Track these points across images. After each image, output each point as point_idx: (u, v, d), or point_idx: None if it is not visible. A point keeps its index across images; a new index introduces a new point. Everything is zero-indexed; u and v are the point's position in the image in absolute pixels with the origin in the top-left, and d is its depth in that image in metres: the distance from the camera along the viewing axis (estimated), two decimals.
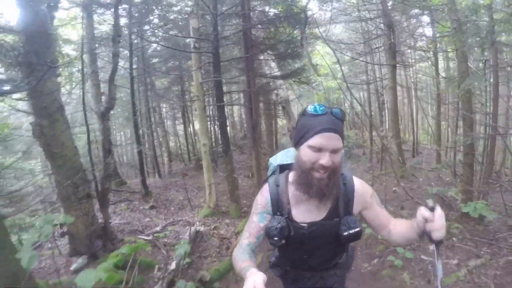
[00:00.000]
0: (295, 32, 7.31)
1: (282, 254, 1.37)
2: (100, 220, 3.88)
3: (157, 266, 3.56)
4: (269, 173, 1.43)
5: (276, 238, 1.15)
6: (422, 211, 0.99)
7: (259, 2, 7.31)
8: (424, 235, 1.01)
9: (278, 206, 1.21)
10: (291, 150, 1.35)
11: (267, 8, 7.70)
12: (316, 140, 1.06)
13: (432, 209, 0.98)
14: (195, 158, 10.36)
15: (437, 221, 0.96)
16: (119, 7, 4.40)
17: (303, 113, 1.15)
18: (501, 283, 2.91)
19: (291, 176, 1.22)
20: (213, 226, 4.96)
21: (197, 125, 13.45)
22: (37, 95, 3.09)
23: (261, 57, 7.94)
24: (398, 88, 9.34)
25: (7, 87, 3.11)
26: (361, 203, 1.23)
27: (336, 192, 1.15)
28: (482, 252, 3.45)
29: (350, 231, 1.16)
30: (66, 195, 3.53)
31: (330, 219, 1.19)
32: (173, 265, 3.29)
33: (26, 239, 3.01)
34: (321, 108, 1.10)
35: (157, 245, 4.09)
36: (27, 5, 3.13)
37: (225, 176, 5.31)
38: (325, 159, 1.05)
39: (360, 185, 1.25)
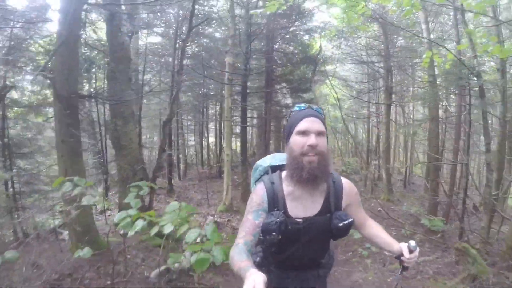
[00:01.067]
0: (307, 71, 8.83)
1: (269, 253, 1.38)
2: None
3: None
4: (256, 174, 1.50)
5: (274, 234, 1.19)
6: (405, 250, 1.22)
7: (280, 43, 8.87)
8: (398, 259, 1.26)
9: (274, 202, 1.26)
10: (277, 154, 1.50)
11: (287, 49, 9.27)
12: (301, 125, 1.19)
13: (411, 250, 1.21)
14: (209, 167, 11.71)
15: (412, 259, 1.22)
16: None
17: (289, 115, 1.32)
18: (438, 271, 4.10)
19: (284, 174, 1.30)
20: (227, 219, 6.21)
21: (211, 139, 14.98)
22: (117, 102, 4.47)
23: (278, 88, 9.41)
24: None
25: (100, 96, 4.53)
26: (348, 200, 1.33)
27: (327, 187, 1.28)
28: (434, 254, 4.64)
29: (345, 222, 1.23)
30: (126, 177, 4.86)
31: (323, 214, 1.27)
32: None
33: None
34: (302, 105, 1.28)
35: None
36: (115, 36, 4.53)
37: (240, 181, 6.62)
38: (311, 140, 1.16)
39: (347, 183, 1.36)
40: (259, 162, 1.51)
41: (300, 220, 1.25)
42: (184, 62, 8.84)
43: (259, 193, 1.29)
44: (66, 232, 4.75)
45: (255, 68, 7.72)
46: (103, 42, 4.65)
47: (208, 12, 6.37)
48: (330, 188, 1.30)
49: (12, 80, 4.11)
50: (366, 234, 1.43)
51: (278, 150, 13.11)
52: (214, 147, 12.95)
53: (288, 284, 1.38)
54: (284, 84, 9.28)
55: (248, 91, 6.56)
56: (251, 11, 4.04)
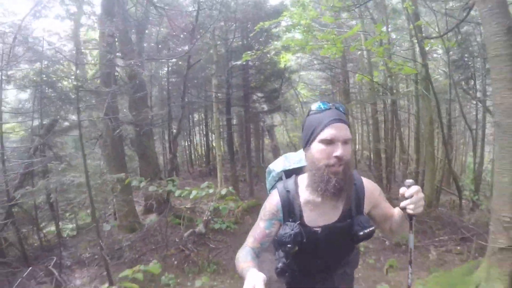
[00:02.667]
0: (277, 82, 10.80)
1: (292, 260, 1.32)
2: None
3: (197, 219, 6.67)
4: (270, 180, 1.43)
5: (289, 246, 1.12)
6: (401, 190, 1.04)
7: (254, 61, 10.75)
8: (408, 218, 1.07)
9: (290, 212, 1.18)
10: (289, 155, 1.40)
11: (259, 66, 11.16)
12: (327, 132, 1.05)
13: (409, 186, 1.03)
14: (200, 166, 13.51)
15: (412, 197, 1.01)
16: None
17: (308, 114, 1.16)
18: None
19: (302, 179, 1.21)
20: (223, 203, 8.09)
21: (197, 141, 16.73)
22: (147, 126, 6.21)
23: (254, 98, 11.31)
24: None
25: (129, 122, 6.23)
26: (371, 202, 1.24)
27: (348, 191, 1.14)
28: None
29: (365, 231, 1.14)
30: (151, 179, 6.64)
31: (343, 220, 1.18)
32: (207, 213, 6.41)
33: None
34: (325, 104, 1.12)
35: (193, 210, 7.20)
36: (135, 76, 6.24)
37: (230, 175, 8.51)
38: (339, 151, 1.04)
39: (369, 184, 1.25)
40: (271, 166, 1.43)
41: (318, 229, 1.17)
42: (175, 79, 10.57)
43: (273, 202, 1.22)
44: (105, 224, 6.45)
45: (235, 83, 9.57)
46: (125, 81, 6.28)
47: (200, 48, 8.02)
48: (351, 192, 1.18)
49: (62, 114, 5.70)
50: (394, 227, 1.26)
51: (257, 148, 15.03)
52: (201, 148, 14.72)
53: (315, 285, 1.32)
54: (259, 94, 11.19)
55: (231, 105, 8.46)
56: (233, 63, 5.91)
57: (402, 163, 6.67)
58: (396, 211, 1.21)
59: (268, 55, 10.68)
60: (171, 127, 9.45)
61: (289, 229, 1.14)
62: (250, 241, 1.21)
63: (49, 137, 5.24)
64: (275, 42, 8.08)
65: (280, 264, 1.38)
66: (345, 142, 1.07)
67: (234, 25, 8.32)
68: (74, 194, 4.78)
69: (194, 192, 3.63)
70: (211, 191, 3.71)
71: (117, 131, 5.06)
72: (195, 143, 16.04)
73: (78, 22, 6.54)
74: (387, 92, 6.69)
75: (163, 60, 6.57)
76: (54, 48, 4.68)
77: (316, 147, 1.09)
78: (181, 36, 6.78)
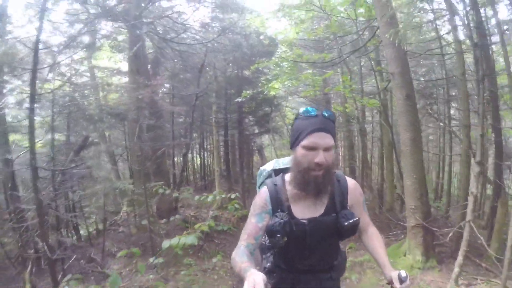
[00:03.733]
0: (267, 108, 12.39)
1: (279, 257, 1.38)
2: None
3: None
4: (259, 180, 1.55)
5: (279, 235, 1.19)
6: (395, 279, 1.14)
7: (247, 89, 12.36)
8: (388, 284, 1.20)
9: (278, 203, 1.26)
10: (280, 159, 1.55)
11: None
12: (309, 140, 1.14)
13: (402, 281, 1.13)
14: (201, 181, 14.72)
15: None
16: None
17: (297, 117, 1.24)
18: None
19: (288, 176, 1.30)
20: (220, 213, 9.35)
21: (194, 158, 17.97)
22: (162, 146, 7.55)
23: (247, 120, 12.83)
24: None
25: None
26: (352, 199, 1.33)
27: (331, 188, 1.24)
28: None
29: (350, 221, 1.22)
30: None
31: (328, 214, 1.26)
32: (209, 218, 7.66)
33: None
34: (313, 111, 1.19)
35: (196, 217, 8.43)
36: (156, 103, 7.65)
37: (226, 188, 9.82)
38: (319, 157, 1.13)
39: (351, 183, 1.35)
40: (262, 168, 1.54)
41: (305, 221, 1.23)
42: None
43: (262, 195, 1.29)
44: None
45: (230, 109, 11.08)
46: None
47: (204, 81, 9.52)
48: (335, 187, 1.27)
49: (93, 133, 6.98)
50: (365, 242, 1.41)
51: (248, 165, 16.40)
52: (198, 165, 15.95)
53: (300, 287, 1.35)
54: (251, 118, 12.72)
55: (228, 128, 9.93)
56: (235, 100, 7.41)
57: (366, 176, 8.21)
58: (383, 258, 1.28)
59: (259, 84, 12.36)
60: (182, 147, 10.80)
61: (279, 218, 1.21)
62: (244, 238, 1.23)
63: (82, 151, 6.51)
64: (267, 76, 9.68)
65: (268, 264, 1.41)
66: (326, 149, 1.15)
67: (232, 61, 9.92)
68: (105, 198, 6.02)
69: (211, 197, 4.96)
70: (223, 196, 5.07)
71: (140, 151, 6.37)
72: (193, 160, 17.28)
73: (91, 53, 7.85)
74: (355, 121, 8.33)
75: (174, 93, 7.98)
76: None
77: (299, 151, 1.17)
78: (189, 74, 8.26)
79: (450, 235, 3.78)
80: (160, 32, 7.07)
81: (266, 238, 1.33)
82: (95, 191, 5.85)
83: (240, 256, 1.13)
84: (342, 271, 1.47)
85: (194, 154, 17.24)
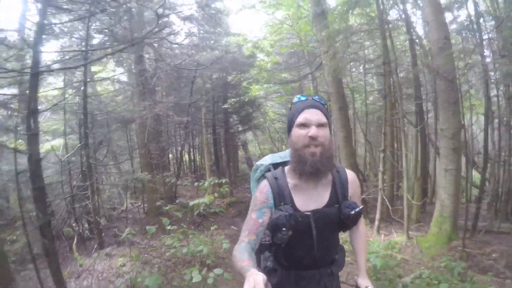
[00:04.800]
0: (249, 108, 14.06)
1: (281, 254, 1.36)
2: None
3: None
4: (257, 174, 1.50)
5: (284, 229, 1.17)
6: (362, 287, 1.31)
7: (231, 92, 13.96)
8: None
9: (280, 196, 1.24)
10: (276, 154, 1.51)
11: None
12: (301, 117, 1.20)
13: None
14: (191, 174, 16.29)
15: None
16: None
17: (291, 106, 1.30)
18: None
19: (288, 169, 1.31)
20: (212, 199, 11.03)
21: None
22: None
23: (231, 120, 14.46)
24: None
25: None
26: (352, 190, 1.34)
27: (331, 171, 1.26)
28: None
29: (356, 210, 1.23)
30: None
31: (331, 205, 1.27)
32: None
33: None
34: (303, 96, 1.27)
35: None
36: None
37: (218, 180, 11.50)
38: (312, 131, 1.16)
39: (351, 174, 1.36)
40: (259, 163, 1.50)
41: (309, 213, 1.23)
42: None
43: (263, 190, 1.27)
44: None
45: (217, 110, 12.67)
46: None
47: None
48: (336, 179, 1.29)
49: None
50: (351, 239, 1.47)
51: (233, 160, 18.06)
52: (187, 161, 17.49)
53: (303, 285, 1.35)
54: (235, 117, 14.36)
55: (216, 128, 11.56)
56: (225, 105, 9.03)
57: None
58: (361, 262, 1.43)
59: (242, 87, 14.00)
60: (178, 146, 12.30)
61: (283, 211, 1.19)
62: (245, 234, 1.22)
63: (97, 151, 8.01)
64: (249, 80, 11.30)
65: (268, 263, 1.39)
66: (319, 125, 1.18)
67: (218, 70, 11.50)
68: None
69: (206, 183, 6.60)
70: (216, 181, 6.74)
71: (148, 150, 7.92)
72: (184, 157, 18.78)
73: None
74: None
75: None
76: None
77: (294, 132, 1.22)
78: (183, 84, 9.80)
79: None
80: (159, 50, 8.55)
81: (264, 236, 1.32)
82: (120, 182, 7.37)
83: (241, 253, 1.12)
84: (341, 265, 1.45)
85: (185, 151, 18.76)
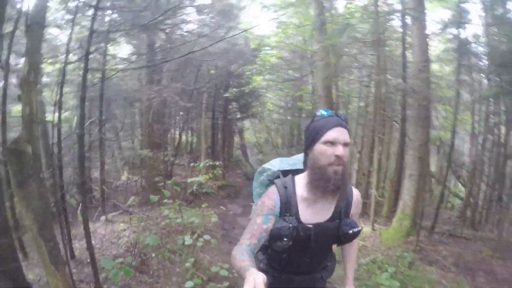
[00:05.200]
0: (249, 97, 14.63)
1: (275, 258, 1.41)
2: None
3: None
4: (263, 178, 1.49)
5: (285, 239, 1.21)
6: None
7: (233, 80, 14.49)
8: None
9: (287, 207, 1.27)
10: (284, 159, 1.53)
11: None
12: (330, 135, 1.20)
13: None
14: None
15: None
16: None
17: (313, 119, 1.30)
18: None
19: (299, 179, 1.33)
20: (204, 181, 11.77)
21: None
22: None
23: (230, 106, 15.04)
24: None
25: None
26: (354, 209, 1.39)
27: (345, 189, 1.28)
28: None
29: (354, 230, 1.28)
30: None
31: (333, 220, 1.31)
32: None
33: None
34: (327, 112, 1.28)
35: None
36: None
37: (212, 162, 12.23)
38: (339, 151, 1.18)
39: (356, 192, 1.40)
40: (266, 166, 1.51)
41: (311, 225, 1.26)
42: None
43: (271, 196, 1.29)
44: None
45: (218, 96, 13.25)
46: None
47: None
48: (345, 194, 1.31)
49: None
50: (342, 249, 1.55)
51: (229, 145, 18.71)
52: (185, 142, 18.13)
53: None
54: (234, 104, 14.94)
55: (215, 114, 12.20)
56: (226, 94, 9.63)
57: None
58: (349, 273, 1.54)
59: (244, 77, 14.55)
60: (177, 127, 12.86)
61: (287, 223, 1.22)
62: (247, 237, 1.22)
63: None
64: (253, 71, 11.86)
65: (261, 265, 1.44)
66: (345, 144, 1.21)
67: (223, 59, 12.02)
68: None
69: (202, 164, 7.30)
70: (211, 163, 7.43)
71: (151, 129, 8.54)
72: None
73: None
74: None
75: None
76: None
77: (319, 148, 1.22)
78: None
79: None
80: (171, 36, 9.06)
81: None
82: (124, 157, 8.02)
83: (240, 254, 1.13)
84: (331, 272, 1.49)
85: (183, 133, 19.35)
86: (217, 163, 7.26)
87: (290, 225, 1.22)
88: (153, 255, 4.49)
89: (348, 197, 1.35)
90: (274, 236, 1.23)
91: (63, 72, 3.50)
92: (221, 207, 8.63)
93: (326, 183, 1.20)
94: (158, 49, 8.65)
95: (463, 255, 5.18)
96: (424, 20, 5.21)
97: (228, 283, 3.60)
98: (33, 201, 2.13)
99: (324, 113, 1.28)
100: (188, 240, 4.24)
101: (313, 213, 1.29)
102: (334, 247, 1.49)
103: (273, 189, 1.32)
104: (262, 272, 1.04)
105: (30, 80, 2.43)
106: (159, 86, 7.18)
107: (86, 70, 3.00)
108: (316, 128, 1.26)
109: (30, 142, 2.22)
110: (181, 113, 12.04)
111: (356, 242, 1.53)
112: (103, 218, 5.02)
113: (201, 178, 6.03)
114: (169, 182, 9.38)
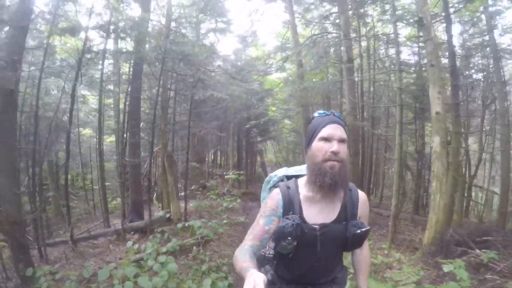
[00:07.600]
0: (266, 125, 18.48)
1: (283, 267, 1.39)
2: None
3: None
4: (267, 186, 1.55)
5: (289, 238, 1.17)
6: None
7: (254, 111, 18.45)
8: None
9: (290, 206, 1.27)
10: (291, 168, 1.54)
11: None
12: (325, 131, 1.23)
13: None
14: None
15: None
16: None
17: (311, 120, 1.33)
18: None
19: (301, 180, 1.34)
20: (232, 189, 15.56)
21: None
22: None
23: (252, 132, 18.90)
24: None
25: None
26: (361, 211, 1.35)
27: (346, 187, 1.27)
28: None
29: (362, 229, 1.24)
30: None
31: (339, 221, 1.28)
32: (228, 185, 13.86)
33: None
34: (324, 111, 1.31)
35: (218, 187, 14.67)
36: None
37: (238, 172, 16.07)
38: (334, 146, 1.20)
39: (362, 194, 1.38)
40: (272, 174, 1.55)
41: (316, 226, 1.24)
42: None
43: (274, 197, 1.30)
44: None
45: (242, 123, 17.20)
46: None
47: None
48: (347, 197, 1.29)
49: None
50: (354, 260, 1.48)
51: (252, 161, 22.43)
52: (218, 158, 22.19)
53: None
54: (255, 129, 18.82)
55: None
56: (247, 126, 13.60)
57: None
58: (361, 283, 1.45)
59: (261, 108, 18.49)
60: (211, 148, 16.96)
61: (290, 220, 1.21)
62: (249, 238, 1.23)
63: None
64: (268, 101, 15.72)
65: (268, 275, 1.41)
66: (340, 141, 1.22)
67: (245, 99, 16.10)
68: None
69: (233, 176, 11.06)
70: (237, 172, 11.19)
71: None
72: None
73: None
74: None
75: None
76: None
77: (316, 144, 1.25)
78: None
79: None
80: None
81: (268, 249, 1.41)
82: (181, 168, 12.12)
83: (242, 254, 1.13)
84: (343, 284, 1.44)
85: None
86: (241, 172, 10.96)
87: (293, 222, 1.20)
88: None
89: (353, 198, 1.34)
90: (278, 235, 1.22)
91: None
92: (243, 202, 12.32)
93: (323, 177, 1.21)
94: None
95: None
96: None
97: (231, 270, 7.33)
98: (174, 167, 6.05)
99: (321, 112, 1.33)
100: (221, 207, 8.06)
101: (317, 213, 1.28)
102: (346, 259, 1.51)
103: (275, 190, 1.34)
104: (269, 283, 1.18)
105: None
106: (202, 123, 11.24)
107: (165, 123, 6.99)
108: (313, 127, 1.30)
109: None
110: (212, 138, 16.09)
111: (367, 253, 1.50)
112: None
113: (233, 176, 9.85)
114: (210, 183, 13.28)
